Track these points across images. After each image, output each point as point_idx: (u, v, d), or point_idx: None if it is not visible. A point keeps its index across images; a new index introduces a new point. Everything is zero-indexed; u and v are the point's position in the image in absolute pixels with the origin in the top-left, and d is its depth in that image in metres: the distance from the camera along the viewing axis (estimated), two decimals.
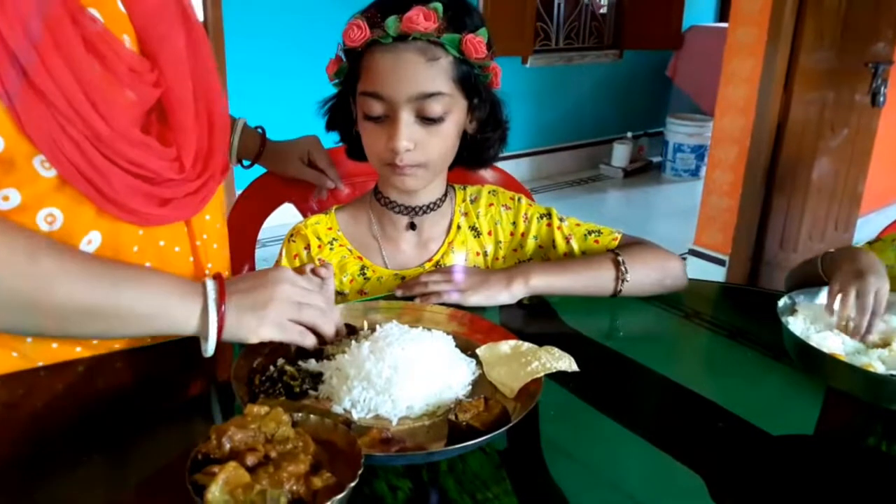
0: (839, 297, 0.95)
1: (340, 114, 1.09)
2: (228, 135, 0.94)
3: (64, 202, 0.77)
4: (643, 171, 5.37)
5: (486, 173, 1.40)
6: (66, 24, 0.71)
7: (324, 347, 0.84)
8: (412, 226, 1.13)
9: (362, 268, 1.12)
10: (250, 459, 0.57)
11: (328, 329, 0.83)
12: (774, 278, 3.12)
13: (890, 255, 1.12)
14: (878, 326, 0.94)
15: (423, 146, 1.00)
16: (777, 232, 3.15)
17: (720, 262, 3.25)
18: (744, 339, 1.00)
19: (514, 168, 4.79)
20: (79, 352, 0.87)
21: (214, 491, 0.53)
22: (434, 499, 0.65)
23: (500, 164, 1.50)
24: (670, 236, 3.52)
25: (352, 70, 1.02)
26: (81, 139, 0.73)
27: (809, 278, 1.06)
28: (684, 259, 3.40)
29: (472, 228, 1.16)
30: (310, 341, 0.82)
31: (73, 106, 0.72)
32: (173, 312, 0.77)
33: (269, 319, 0.79)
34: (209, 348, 0.79)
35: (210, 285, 0.78)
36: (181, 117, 0.82)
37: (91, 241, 0.80)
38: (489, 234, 1.16)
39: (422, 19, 0.94)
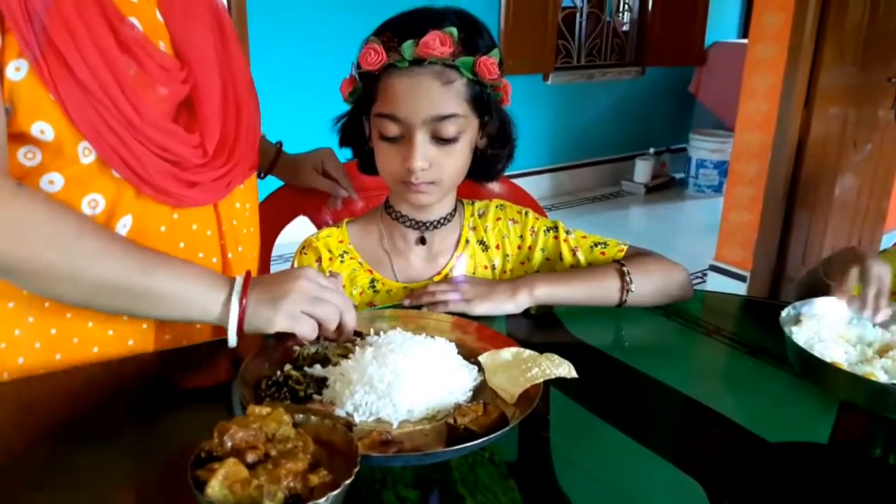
0: (846, 276, 0.98)
1: (353, 131, 1.12)
2: (258, 131, 1.05)
3: (104, 187, 0.86)
4: (665, 187, 5.35)
5: (495, 185, 1.41)
6: (104, 28, 0.82)
7: (328, 355, 0.86)
8: (422, 240, 1.15)
9: (372, 281, 1.15)
10: (250, 457, 0.59)
11: (335, 326, 0.86)
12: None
13: None
14: (888, 311, 0.96)
15: (438, 165, 1.03)
16: (799, 248, 3.12)
17: (741, 279, 3.22)
18: (745, 346, 1.01)
19: (535, 184, 4.81)
20: (95, 352, 0.93)
21: (214, 486, 0.56)
22: None
23: (520, 181, 1.52)
24: (692, 253, 3.50)
25: (366, 91, 1.05)
26: (118, 126, 0.83)
27: (815, 286, 1.07)
28: (705, 275, 3.39)
29: (481, 242, 1.18)
30: (317, 336, 0.85)
31: (109, 96, 0.82)
32: (198, 299, 0.84)
33: (284, 311, 0.83)
34: (231, 338, 0.84)
35: (238, 279, 0.85)
36: (207, 110, 0.93)
37: (126, 225, 0.89)
38: (497, 247, 1.18)
39: (438, 44, 0.96)
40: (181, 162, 0.90)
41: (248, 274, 0.86)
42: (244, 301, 0.83)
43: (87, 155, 0.84)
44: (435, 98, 0.99)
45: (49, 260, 0.79)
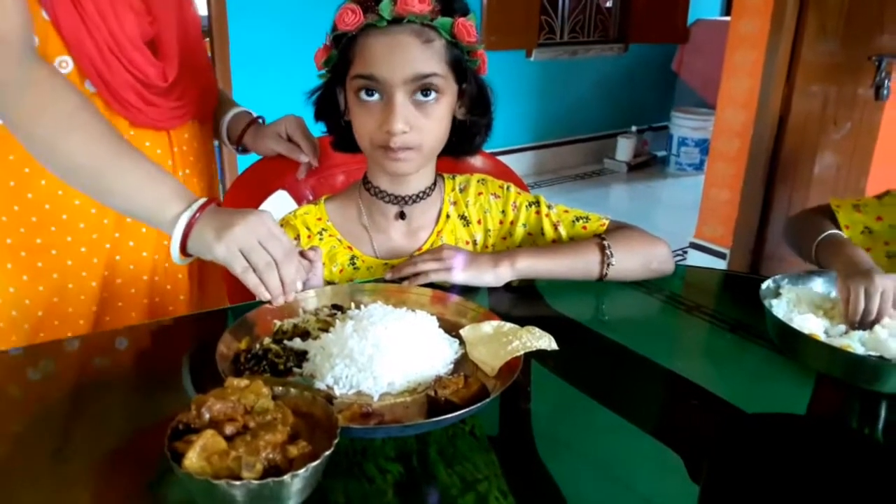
0: (852, 298, 0.94)
1: (328, 104, 1.10)
2: (210, 79, 1.24)
3: None
4: (647, 165, 5.36)
5: (476, 160, 1.40)
6: None
7: (308, 328, 0.85)
8: (402, 215, 1.14)
9: (352, 257, 1.14)
10: (229, 429, 0.59)
11: (271, 281, 0.83)
12: (775, 272, 3.11)
13: None
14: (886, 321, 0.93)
15: (418, 128, 1.01)
16: (778, 225, 3.14)
17: (721, 256, 3.24)
18: (725, 322, 1.01)
19: (517, 162, 4.80)
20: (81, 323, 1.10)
21: (192, 457, 0.55)
22: (423, 482, 0.66)
23: (503, 159, 1.51)
24: (673, 230, 3.52)
25: (343, 56, 1.02)
26: (101, 40, 0.99)
27: (800, 247, 1.08)
28: (685, 252, 3.41)
29: (462, 217, 1.17)
30: (251, 279, 0.83)
31: (101, 14, 0.98)
32: (153, 203, 0.87)
33: (224, 241, 0.82)
34: (173, 252, 0.85)
35: (200, 201, 0.86)
36: (167, 50, 1.09)
37: None
38: (478, 222, 1.17)
39: (416, 2, 0.95)
40: (146, 83, 1.06)
41: (213, 199, 0.88)
42: (195, 218, 0.84)
43: (63, 67, 0.99)
44: (414, 57, 0.98)
45: (42, 121, 0.87)
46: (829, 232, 1.10)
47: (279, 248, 0.84)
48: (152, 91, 1.07)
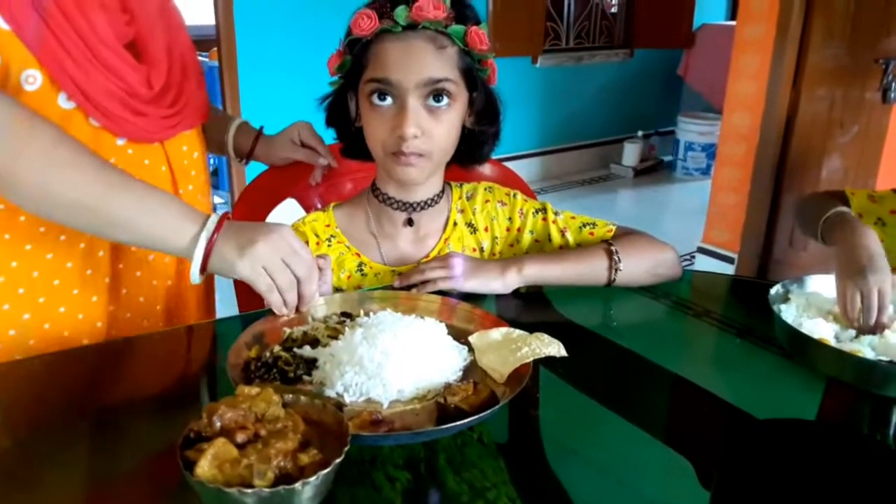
0: (847, 302, 0.94)
1: (339, 110, 1.11)
2: (203, 86, 1.11)
3: (51, 117, 0.86)
4: (654, 170, 5.36)
5: (482, 166, 1.40)
6: None
7: (318, 336, 0.86)
8: (410, 222, 1.14)
9: (360, 264, 1.14)
10: (240, 437, 0.59)
11: (290, 298, 0.85)
12: (784, 276, 3.10)
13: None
14: (890, 315, 0.93)
15: (429, 134, 1.02)
16: (786, 229, 3.14)
17: (729, 261, 3.24)
18: (733, 327, 1.01)
19: (524, 168, 4.81)
20: (99, 326, 1.00)
21: (203, 465, 0.56)
22: (432, 489, 0.66)
23: (509, 164, 1.51)
24: (681, 236, 3.51)
25: (357, 61, 1.03)
26: (73, 47, 0.87)
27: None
28: (693, 257, 3.41)
29: (469, 225, 1.17)
30: (275, 299, 0.84)
31: (67, 18, 0.86)
32: (162, 228, 0.83)
33: (247, 259, 0.82)
34: (193, 273, 0.83)
35: (214, 217, 0.84)
36: (152, 53, 0.98)
37: None
38: (486, 230, 1.18)
39: (431, 8, 0.97)
40: (130, 92, 0.94)
41: (225, 214, 0.85)
42: (214, 238, 0.82)
43: (31, 83, 0.86)
44: (428, 62, 0.99)
45: (21, 162, 0.78)
46: (837, 209, 1.09)
47: (302, 266, 0.85)
48: (139, 100, 0.96)
